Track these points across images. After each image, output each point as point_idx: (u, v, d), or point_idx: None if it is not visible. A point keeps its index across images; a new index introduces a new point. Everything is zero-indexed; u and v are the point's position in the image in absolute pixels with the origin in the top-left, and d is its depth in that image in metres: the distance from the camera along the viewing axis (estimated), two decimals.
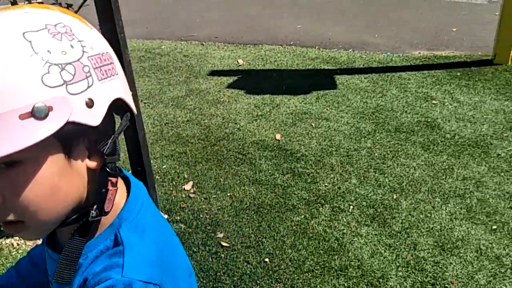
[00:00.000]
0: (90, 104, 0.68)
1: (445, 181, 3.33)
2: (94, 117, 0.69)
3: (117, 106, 0.75)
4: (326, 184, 3.33)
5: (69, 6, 2.96)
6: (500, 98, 4.28)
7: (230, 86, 4.70)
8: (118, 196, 0.79)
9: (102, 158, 0.74)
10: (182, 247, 0.91)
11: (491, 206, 3.09)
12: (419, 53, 5.24)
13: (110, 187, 0.75)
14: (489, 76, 4.64)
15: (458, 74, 4.71)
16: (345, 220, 3.02)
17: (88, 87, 0.68)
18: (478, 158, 3.54)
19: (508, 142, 3.71)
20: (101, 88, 0.70)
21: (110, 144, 0.74)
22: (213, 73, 4.97)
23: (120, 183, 0.82)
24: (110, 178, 0.75)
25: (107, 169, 0.74)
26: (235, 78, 4.86)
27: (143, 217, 0.80)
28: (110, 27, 2.45)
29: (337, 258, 2.74)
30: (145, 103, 4.44)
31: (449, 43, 5.43)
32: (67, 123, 0.65)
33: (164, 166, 3.55)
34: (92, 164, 0.74)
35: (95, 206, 0.74)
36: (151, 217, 0.83)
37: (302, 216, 3.05)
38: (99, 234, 0.77)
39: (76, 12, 2.71)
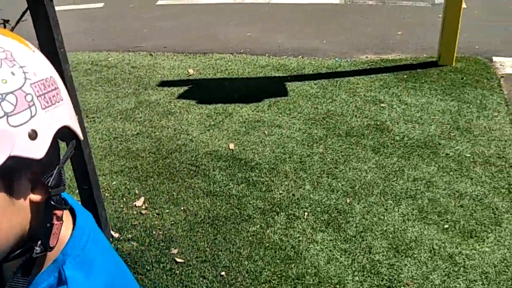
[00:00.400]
0: (33, 135, 0.63)
1: (396, 182, 3.38)
2: (38, 150, 0.64)
3: (63, 133, 0.70)
4: (280, 191, 3.32)
5: (5, 21, 2.83)
6: (446, 99, 4.40)
7: (181, 96, 4.63)
8: (64, 229, 0.74)
9: (47, 190, 0.69)
10: (135, 281, 0.87)
11: (442, 206, 3.15)
12: (367, 57, 5.33)
13: (55, 221, 0.70)
14: (434, 78, 4.77)
15: (405, 76, 4.82)
16: (300, 227, 3.01)
17: (31, 117, 0.63)
18: (428, 159, 3.62)
19: (455, 141, 3.81)
20: (45, 117, 0.65)
21: (55, 175, 0.69)
22: (163, 83, 4.89)
23: (66, 215, 0.77)
24: (55, 212, 0.70)
25: (52, 202, 0.69)
26: (186, 88, 4.80)
27: (89, 252, 0.76)
28: (49, 42, 2.36)
29: (294, 266, 2.72)
30: (92, 117, 4.31)
31: (395, 46, 5.55)
32: (9, 157, 0.60)
33: (114, 183, 3.44)
34: (36, 197, 0.69)
35: (39, 242, 0.70)
36: (99, 251, 0.79)
37: (258, 226, 3.02)
38: (44, 271, 0.73)
39: (13, 28, 2.59)
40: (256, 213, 3.12)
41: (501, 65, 5.04)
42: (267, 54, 5.50)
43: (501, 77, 4.81)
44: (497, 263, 2.71)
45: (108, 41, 6.12)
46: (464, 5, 6.61)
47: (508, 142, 3.78)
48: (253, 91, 4.70)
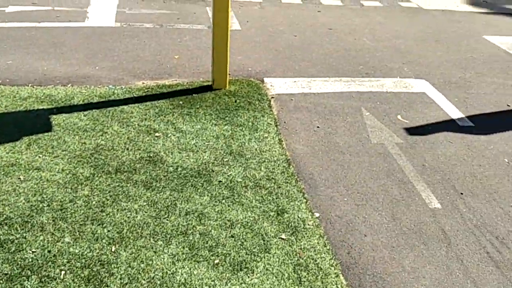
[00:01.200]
0: None
1: (168, 219, 3.17)
2: None
3: None
4: (34, 249, 2.84)
5: None
6: (220, 123, 4.37)
7: None
8: None
9: None
10: None
11: (214, 239, 3.03)
12: (143, 83, 5.09)
13: None
14: (209, 102, 4.73)
15: (181, 102, 4.69)
16: None
17: None
18: (201, 188, 3.50)
19: (228, 167, 3.77)
20: None
21: None
22: None
23: None
24: None
25: None
26: None
27: None
28: None
29: None
30: None
31: (172, 71, 5.42)
32: None
33: None
34: None
35: None
36: None
37: None
38: None
39: None
40: (1, 281, 2.60)
41: (271, 85, 5.26)
42: (30, 84, 4.89)
43: (272, 97, 5.01)
44: None
45: None
46: (238, 27, 6.85)
47: (277, 162, 3.88)
48: (10, 128, 4.08)
